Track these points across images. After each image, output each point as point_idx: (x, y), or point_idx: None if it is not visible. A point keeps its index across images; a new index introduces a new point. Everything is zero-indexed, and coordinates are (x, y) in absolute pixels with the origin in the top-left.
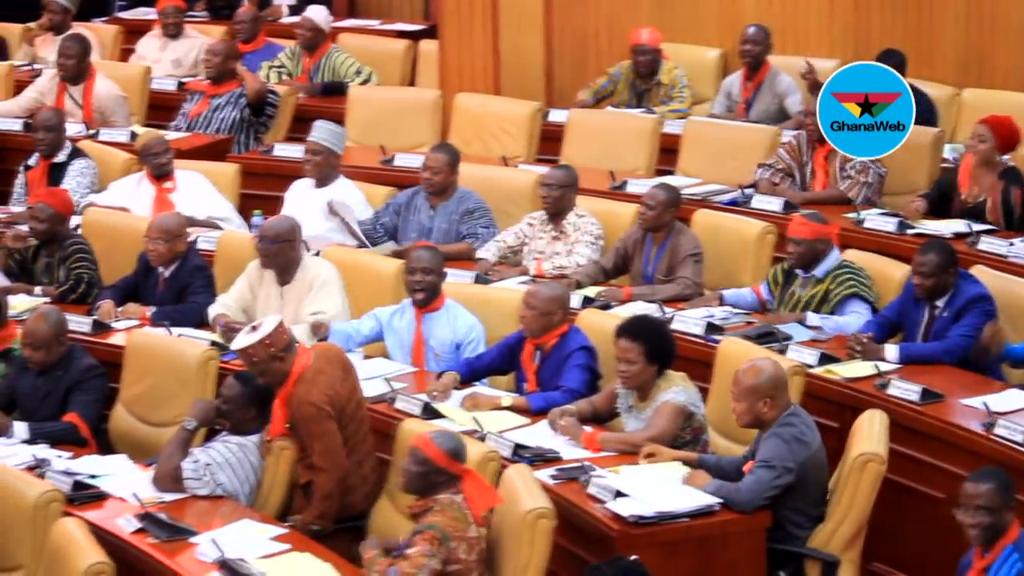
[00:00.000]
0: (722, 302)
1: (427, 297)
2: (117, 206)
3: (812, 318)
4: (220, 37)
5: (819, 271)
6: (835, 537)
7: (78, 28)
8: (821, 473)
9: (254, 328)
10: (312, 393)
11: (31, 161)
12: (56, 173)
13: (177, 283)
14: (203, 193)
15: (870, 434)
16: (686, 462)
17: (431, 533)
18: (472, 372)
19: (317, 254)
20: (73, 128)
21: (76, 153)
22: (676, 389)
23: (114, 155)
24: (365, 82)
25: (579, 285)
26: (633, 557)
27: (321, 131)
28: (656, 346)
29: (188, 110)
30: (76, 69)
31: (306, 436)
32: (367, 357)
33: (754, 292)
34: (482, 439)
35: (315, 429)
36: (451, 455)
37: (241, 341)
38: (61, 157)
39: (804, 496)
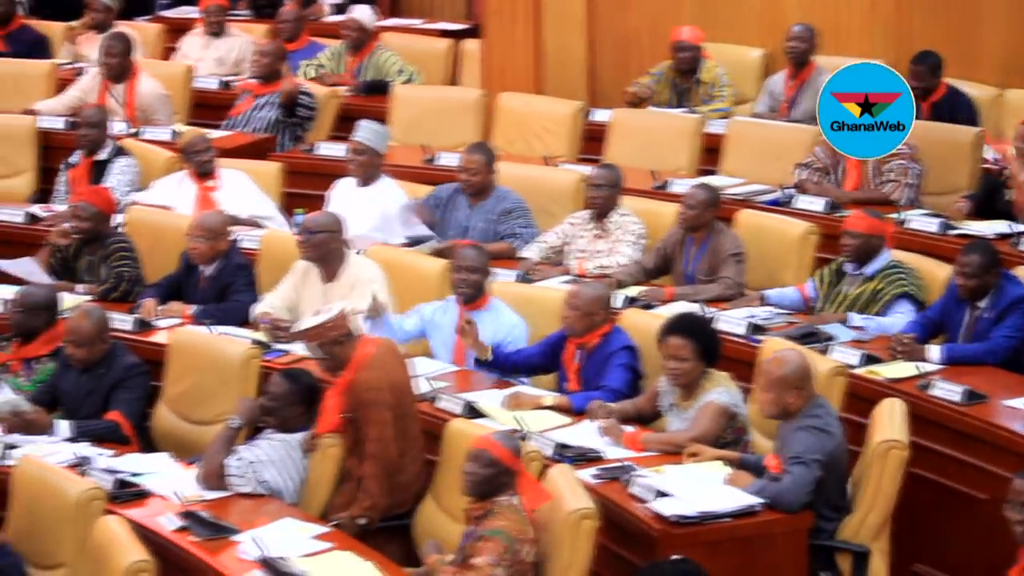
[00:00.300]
0: (764, 302)
1: (471, 295)
2: (160, 204)
3: (855, 318)
4: (263, 36)
5: (869, 269)
6: (864, 527)
7: (121, 26)
8: (843, 464)
9: (318, 313)
10: (377, 379)
11: (73, 159)
12: (98, 171)
13: (219, 282)
14: (246, 192)
15: (891, 422)
16: (728, 462)
17: (497, 540)
18: (507, 360)
19: (359, 253)
20: (116, 127)
21: (119, 151)
22: (720, 389)
23: (156, 153)
24: (408, 81)
25: (621, 284)
26: (675, 557)
27: (365, 130)
28: (707, 343)
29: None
30: (119, 67)
31: (364, 422)
32: (408, 356)
33: (799, 291)
34: (523, 438)
35: (374, 415)
36: (516, 454)
37: (307, 322)
38: (103, 155)
39: (830, 488)
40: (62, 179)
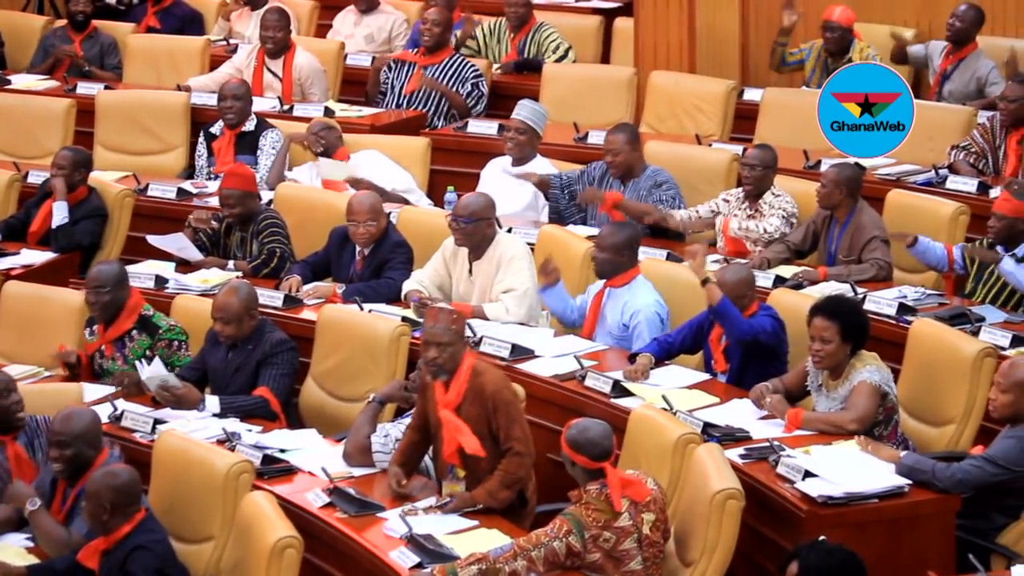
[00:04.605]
0: (916, 243)
1: (599, 272)
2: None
3: (1008, 262)
4: (416, 13)
5: (1020, 251)
6: None
7: (275, 2)
8: None
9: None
10: (503, 377)
11: (214, 129)
12: (242, 142)
13: (376, 259)
14: (379, 169)
15: None
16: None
17: (562, 519)
18: (664, 351)
19: (509, 231)
20: (268, 103)
21: (263, 124)
22: (870, 368)
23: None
24: (562, 59)
25: (769, 264)
26: (822, 537)
27: (527, 110)
28: (852, 326)
29: (395, 84)
30: (281, 42)
31: (506, 422)
32: (557, 335)
33: (946, 251)
34: (675, 413)
35: (515, 412)
36: (572, 447)
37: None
38: (249, 126)
39: (1011, 493)
40: (201, 151)
